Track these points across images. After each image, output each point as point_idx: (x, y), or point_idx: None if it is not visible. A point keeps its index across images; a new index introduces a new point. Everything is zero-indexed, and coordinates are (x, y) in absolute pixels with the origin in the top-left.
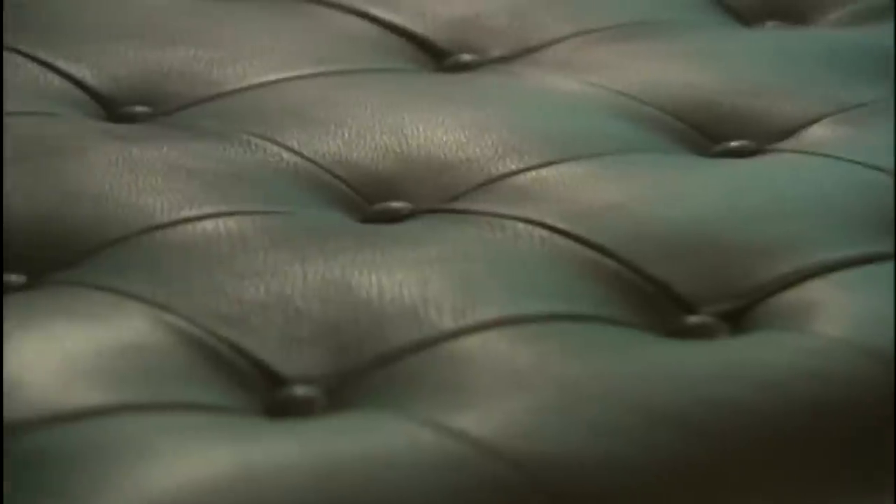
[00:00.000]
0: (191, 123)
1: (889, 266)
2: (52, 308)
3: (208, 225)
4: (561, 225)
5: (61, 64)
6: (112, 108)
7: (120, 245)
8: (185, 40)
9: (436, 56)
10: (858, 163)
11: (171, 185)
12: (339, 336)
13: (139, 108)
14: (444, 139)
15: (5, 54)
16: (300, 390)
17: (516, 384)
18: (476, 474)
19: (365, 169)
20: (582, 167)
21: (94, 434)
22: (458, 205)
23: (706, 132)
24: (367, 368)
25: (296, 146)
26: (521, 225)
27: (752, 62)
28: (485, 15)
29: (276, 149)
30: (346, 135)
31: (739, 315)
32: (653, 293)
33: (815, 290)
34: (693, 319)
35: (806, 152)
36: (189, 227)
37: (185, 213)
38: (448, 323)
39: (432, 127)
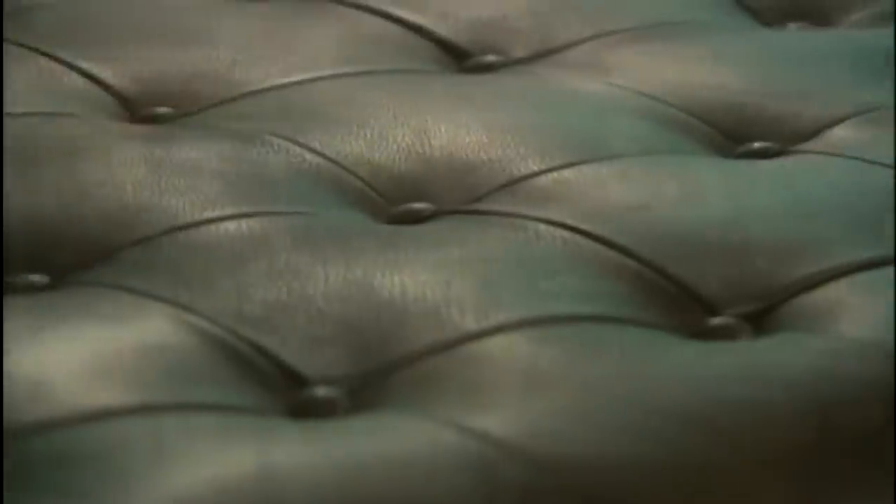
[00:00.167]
0: (213, 124)
1: None
2: (74, 308)
3: (231, 226)
4: (583, 226)
5: (84, 65)
6: (135, 108)
7: (142, 246)
8: (208, 41)
9: (458, 57)
10: (882, 164)
11: (193, 185)
12: (361, 337)
13: (162, 109)
14: (467, 140)
15: (28, 55)
16: (322, 391)
17: (539, 385)
18: (498, 475)
19: (387, 170)
20: (604, 168)
21: (115, 434)
22: (481, 206)
23: (729, 133)
24: (389, 369)
25: (318, 147)
26: (543, 226)
27: (775, 63)
28: (507, 16)
29: (298, 150)
30: (369, 135)
31: (762, 316)
32: (675, 294)
33: (838, 291)
34: (716, 321)
35: (829, 153)
36: (212, 227)
37: (208, 213)
38: (470, 324)
39: (455, 128)
